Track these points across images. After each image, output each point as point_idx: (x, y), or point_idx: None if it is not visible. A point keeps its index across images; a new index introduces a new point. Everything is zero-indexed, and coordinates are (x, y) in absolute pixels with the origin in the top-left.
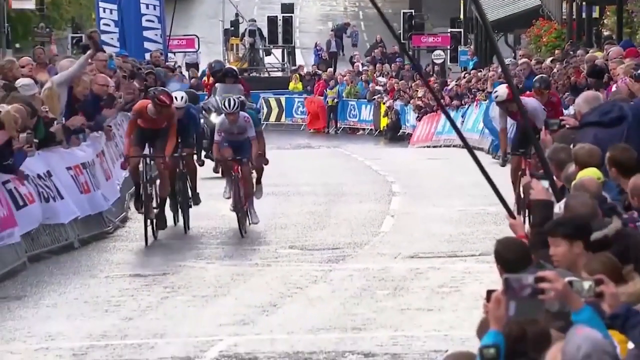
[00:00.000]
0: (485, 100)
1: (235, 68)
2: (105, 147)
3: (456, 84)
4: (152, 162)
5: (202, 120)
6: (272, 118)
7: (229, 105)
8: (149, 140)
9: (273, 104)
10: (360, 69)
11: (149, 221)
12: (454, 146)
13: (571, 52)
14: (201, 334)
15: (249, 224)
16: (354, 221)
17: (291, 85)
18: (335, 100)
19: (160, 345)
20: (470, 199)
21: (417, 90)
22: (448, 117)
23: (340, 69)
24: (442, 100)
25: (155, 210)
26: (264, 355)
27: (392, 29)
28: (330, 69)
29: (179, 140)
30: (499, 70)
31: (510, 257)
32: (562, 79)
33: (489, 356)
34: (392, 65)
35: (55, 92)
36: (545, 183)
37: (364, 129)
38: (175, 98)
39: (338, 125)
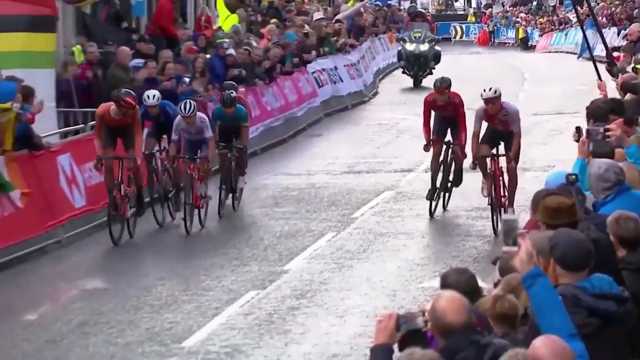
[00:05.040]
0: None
1: (423, 10)
2: (365, 53)
3: (562, 16)
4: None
5: (399, 49)
6: (458, 37)
7: (185, 109)
8: (118, 136)
9: (458, 29)
10: (507, 9)
11: (126, 221)
12: (559, 52)
13: None
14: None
15: (202, 220)
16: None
17: (469, 18)
18: (495, 27)
19: (394, 164)
20: (570, 82)
21: (540, 20)
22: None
23: (496, 9)
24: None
25: (131, 210)
26: None
27: None
28: (490, 9)
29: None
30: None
31: (595, 113)
32: (622, 13)
33: (572, 180)
34: (526, 6)
35: (342, 26)
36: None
37: (508, 43)
38: (148, 97)
39: (494, 41)
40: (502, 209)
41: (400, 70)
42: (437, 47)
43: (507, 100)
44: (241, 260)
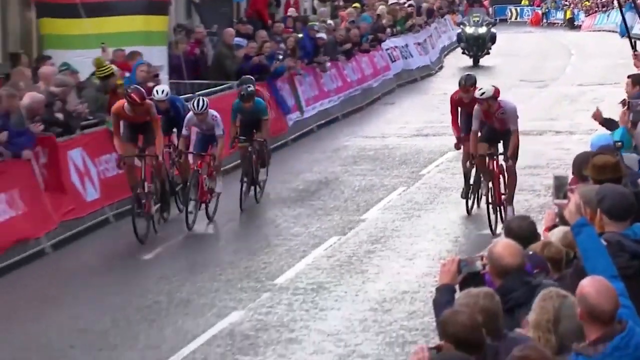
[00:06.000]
0: (622, 7)
1: None
2: (432, 32)
3: (605, 0)
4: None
5: (459, 32)
6: (513, 18)
7: (197, 106)
8: (139, 132)
9: (513, 11)
10: None
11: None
12: (602, 30)
13: None
14: None
15: (211, 215)
16: (552, 68)
17: (523, 2)
18: (546, 9)
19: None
20: (611, 57)
21: (585, 3)
22: (623, 17)
23: None
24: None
25: (156, 207)
26: None
27: None
28: None
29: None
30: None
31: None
32: None
33: (618, 146)
34: None
35: (413, 9)
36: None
37: (557, 23)
38: (157, 92)
39: (545, 22)
40: (502, 207)
41: (461, 51)
42: (493, 30)
43: (505, 99)
44: (325, 210)
